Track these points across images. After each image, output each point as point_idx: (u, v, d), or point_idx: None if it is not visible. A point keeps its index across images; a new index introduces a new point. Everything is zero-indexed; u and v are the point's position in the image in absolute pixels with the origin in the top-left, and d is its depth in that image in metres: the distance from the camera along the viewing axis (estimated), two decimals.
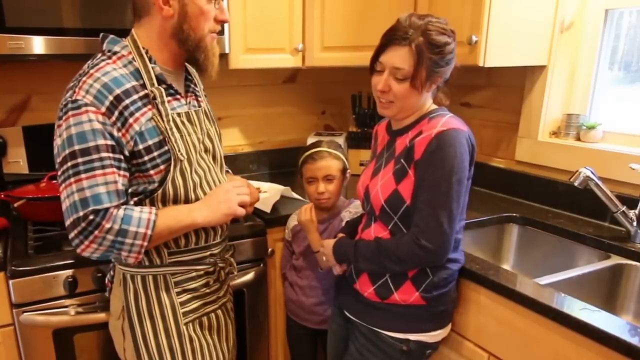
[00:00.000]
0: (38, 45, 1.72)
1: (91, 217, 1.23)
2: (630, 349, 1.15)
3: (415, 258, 1.38)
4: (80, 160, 1.23)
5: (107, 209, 1.24)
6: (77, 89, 1.25)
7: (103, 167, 1.24)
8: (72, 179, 1.23)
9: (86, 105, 1.23)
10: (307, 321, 1.96)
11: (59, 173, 1.26)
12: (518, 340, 1.42)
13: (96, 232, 1.24)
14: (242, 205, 1.45)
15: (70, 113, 1.23)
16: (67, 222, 1.25)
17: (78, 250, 1.27)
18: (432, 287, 1.45)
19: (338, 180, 1.83)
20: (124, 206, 1.28)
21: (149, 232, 1.28)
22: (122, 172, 1.28)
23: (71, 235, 1.25)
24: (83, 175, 1.23)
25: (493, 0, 1.82)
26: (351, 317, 1.57)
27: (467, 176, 1.38)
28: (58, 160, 1.26)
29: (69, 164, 1.23)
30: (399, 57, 1.36)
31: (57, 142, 1.26)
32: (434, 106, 1.47)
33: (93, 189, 1.23)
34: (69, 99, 1.25)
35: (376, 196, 1.44)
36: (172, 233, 1.37)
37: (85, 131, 1.23)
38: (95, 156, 1.23)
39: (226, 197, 1.42)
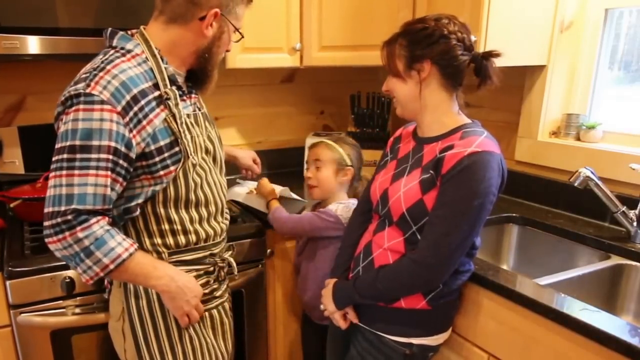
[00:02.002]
0: (33, 45, 1.71)
1: (69, 216, 1.20)
2: (630, 349, 1.15)
3: (417, 279, 1.37)
4: (78, 156, 1.21)
5: (88, 216, 1.22)
6: (92, 83, 1.22)
7: (98, 167, 1.22)
8: (65, 172, 1.21)
9: (102, 102, 1.21)
10: (311, 315, 1.95)
11: (53, 159, 1.24)
12: (518, 340, 1.42)
13: (67, 234, 1.21)
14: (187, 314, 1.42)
15: (82, 106, 1.21)
16: (46, 210, 1.22)
17: (45, 241, 1.25)
18: (441, 296, 1.43)
19: (327, 170, 1.84)
20: (108, 227, 1.26)
21: (112, 266, 1.25)
22: (116, 177, 1.25)
23: (45, 224, 1.22)
24: (76, 172, 1.21)
25: (492, 0, 1.82)
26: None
27: (491, 201, 1.33)
28: (57, 146, 1.24)
29: (66, 155, 1.21)
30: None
31: (61, 128, 1.24)
32: (466, 119, 1.43)
33: (82, 187, 1.21)
34: (82, 90, 1.22)
35: (397, 202, 1.40)
36: (131, 279, 1.36)
37: (93, 129, 1.21)
38: (94, 155, 1.21)
39: (191, 301, 1.40)
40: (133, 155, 1.27)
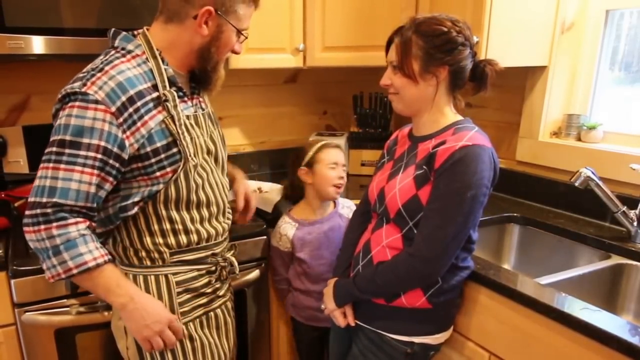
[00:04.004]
0: (38, 45, 1.72)
1: (49, 210, 1.20)
2: (630, 348, 1.15)
3: (414, 272, 1.38)
4: (67, 150, 1.21)
5: (68, 215, 1.22)
6: (88, 83, 1.23)
7: (84, 165, 1.22)
8: (52, 165, 1.22)
9: (96, 102, 1.22)
10: (324, 321, 1.90)
11: (45, 151, 1.24)
12: (519, 339, 1.43)
13: (42, 227, 1.21)
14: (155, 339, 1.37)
15: (77, 103, 1.22)
16: (29, 200, 1.23)
17: (24, 229, 1.24)
18: (441, 293, 1.44)
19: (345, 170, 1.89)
20: (85, 232, 1.25)
21: (75, 271, 1.23)
22: (105, 176, 1.26)
23: (26, 212, 1.23)
24: (62, 166, 1.21)
25: (494, 1, 1.83)
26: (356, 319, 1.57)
27: (484, 193, 1.35)
28: (50, 140, 1.24)
29: (55, 149, 1.22)
30: (392, 51, 1.40)
31: (55, 123, 1.25)
32: (459, 116, 1.45)
33: (66, 182, 1.21)
34: (78, 89, 1.23)
35: (393, 199, 1.42)
36: (93, 289, 1.34)
37: (85, 127, 1.21)
38: (82, 153, 1.22)
39: (152, 327, 1.35)
40: (126, 155, 1.27)
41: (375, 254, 1.47)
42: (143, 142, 1.29)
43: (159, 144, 1.31)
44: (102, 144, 1.23)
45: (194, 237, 1.44)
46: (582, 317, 1.26)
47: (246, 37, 1.44)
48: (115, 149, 1.25)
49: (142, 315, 1.34)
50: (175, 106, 1.34)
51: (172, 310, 1.42)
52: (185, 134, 1.36)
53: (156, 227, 1.38)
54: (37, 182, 1.23)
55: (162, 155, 1.32)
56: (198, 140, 1.41)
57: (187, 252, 1.44)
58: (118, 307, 1.34)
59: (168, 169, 1.34)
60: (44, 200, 1.21)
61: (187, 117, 1.39)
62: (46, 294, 1.62)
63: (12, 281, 1.57)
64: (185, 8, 1.32)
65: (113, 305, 1.36)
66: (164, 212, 1.38)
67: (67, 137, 1.21)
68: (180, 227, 1.41)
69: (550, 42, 2.02)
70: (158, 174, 1.33)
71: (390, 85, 1.43)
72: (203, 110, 1.48)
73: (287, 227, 1.90)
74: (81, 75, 1.27)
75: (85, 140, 1.22)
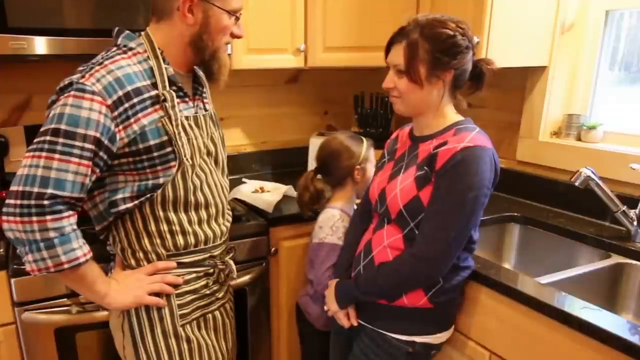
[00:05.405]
0: (40, 45, 1.73)
1: (45, 202, 1.17)
2: (630, 347, 1.16)
3: (416, 273, 1.38)
4: (61, 140, 1.19)
5: (62, 208, 1.20)
6: (87, 75, 1.23)
7: (81, 157, 1.20)
8: (44, 154, 1.18)
9: (93, 93, 1.21)
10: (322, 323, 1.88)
11: (35, 140, 1.20)
12: (519, 338, 1.43)
13: (34, 219, 1.17)
14: (156, 292, 1.40)
15: (72, 93, 1.21)
16: (15, 188, 1.18)
17: (3, 217, 1.19)
18: (442, 293, 1.44)
19: None
20: (76, 227, 1.25)
21: (66, 266, 1.22)
22: (94, 167, 1.24)
23: (9, 201, 1.18)
24: (57, 156, 1.18)
25: (495, 2, 1.84)
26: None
27: (485, 194, 1.35)
28: (41, 129, 1.21)
29: (48, 138, 1.19)
30: (397, 54, 1.38)
31: (49, 114, 1.23)
32: (460, 117, 1.45)
33: (60, 173, 1.19)
34: (76, 80, 1.23)
35: (394, 200, 1.42)
36: (75, 285, 1.35)
37: (80, 116, 1.20)
38: (78, 143, 1.20)
39: (136, 284, 1.37)
40: (114, 149, 1.26)
41: (377, 254, 1.47)
42: (135, 138, 1.28)
43: (152, 142, 1.30)
44: (97, 135, 1.22)
45: (191, 239, 1.43)
46: (582, 316, 1.26)
47: (238, 17, 1.41)
48: (106, 142, 1.24)
49: (123, 288, 1.36)
50: (173, 106, 1.33)
51: (172, 312, 1.42)
52: (182, 134, 1.35)
53: (153, 227, 1.38)
54: (25, 171, 1.18)
55: (155, 154, 1.32)
56: (196, 142, 1.40)
57: (184, 255, 1.43)
58: (101, 297, 1.34)
59: (159, 167, 1.33)
60: (36, 190, 1.17)
61: (187, 117, 1.38)
62: (46, 292, 1.62)
63: (12, 280, 1.58)
64: (169, 2, 1.32)
65: (94, 297, 1.36)
66: (161, 213, 1.37)
67: (62, 127, 1.19)
68: (178, 228, 1.40)
69: (550, 43, 2.03)
70: (148, 170, 1.33)
71: (394, 89, 1.42)
72: (205, 111, 1.48)
73: (346, 219, 1.79)
74: (81, 68, 1.28)
75: (81, 131, 1.20)
